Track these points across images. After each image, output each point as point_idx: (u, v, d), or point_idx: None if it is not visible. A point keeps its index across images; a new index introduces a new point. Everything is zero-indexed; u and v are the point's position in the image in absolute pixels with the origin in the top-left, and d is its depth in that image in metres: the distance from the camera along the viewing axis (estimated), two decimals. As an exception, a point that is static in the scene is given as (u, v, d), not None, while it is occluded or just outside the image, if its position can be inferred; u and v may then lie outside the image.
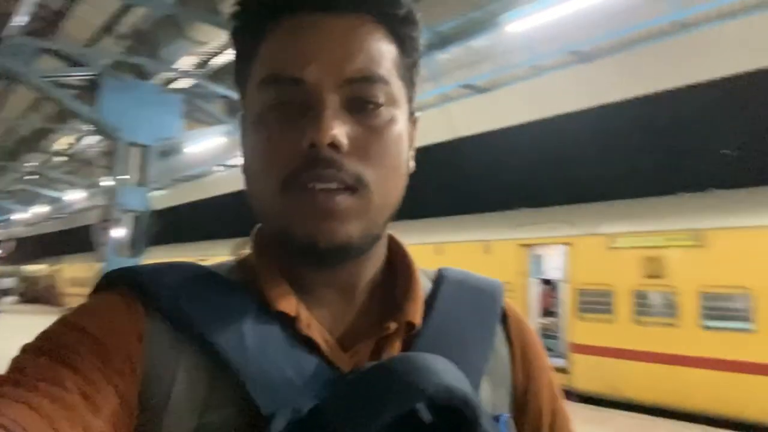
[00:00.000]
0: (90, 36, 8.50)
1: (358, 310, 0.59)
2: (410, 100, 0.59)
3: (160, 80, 9.18)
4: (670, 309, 8.42)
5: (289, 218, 0.52)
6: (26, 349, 0.48)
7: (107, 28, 8.23)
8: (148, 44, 8.12)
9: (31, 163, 17.24)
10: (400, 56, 0.56)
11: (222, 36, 7.85)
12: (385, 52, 0.54)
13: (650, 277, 8.80)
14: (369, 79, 0.53)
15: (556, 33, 7.53)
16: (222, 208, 18.87)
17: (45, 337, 0.49)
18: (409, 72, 0.58)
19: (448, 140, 10.42)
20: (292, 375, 0.50)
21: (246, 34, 0.56)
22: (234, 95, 9.38)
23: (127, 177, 8.55)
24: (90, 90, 8.41)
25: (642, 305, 8.65)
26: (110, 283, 0.55)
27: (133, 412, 0.48)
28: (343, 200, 0.51)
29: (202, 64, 8.92)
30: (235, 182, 15.47)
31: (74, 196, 19.88)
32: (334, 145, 0.50)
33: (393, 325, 0.56)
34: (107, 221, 8.22)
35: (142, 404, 0.48)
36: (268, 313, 0.53)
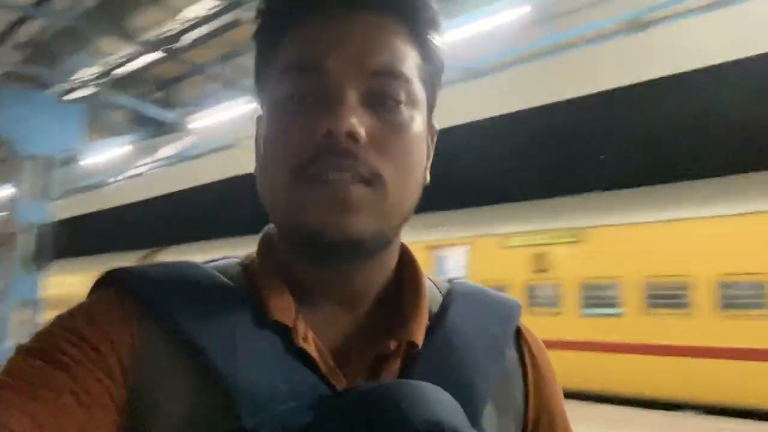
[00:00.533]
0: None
1: (359, 322, 0.57)
2: (430, 108, 0.58)
3: (61, 90, 8.97)
4: (555, 299, 9.41)
5: (300, 207, 0.50)
6: (21, 350, 0.48)
7: (2, 38, 7.97)
8: (47, 54, 7.95)
9: None
10: (422, 59, 0.55)
11: (124, 47, 7.86)
12: (408, 52, 0.54)
13: (538, 272, 9.77)
14: (392, 74, 0.52)
15: (452, 52, 8.21)
16: (125, 218, 18.29)
17: (40, 338, 0.49)
18: (430, 78, 0.57)
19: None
20: (283, 389, 0.48)
21: (269, 30, 0.56)
22: (137, 106, 9.36)
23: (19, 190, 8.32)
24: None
25: (532, 297, 9.60)
26: (108, 282, 0.54)
27: (123, 417, 0.47)
28: (358, 191, 0.49)
29: (105, 73, 8.82)
30: (138, 192, 15.14)
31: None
32: (352, 136, 0.49)
33: (393, 344, 0.54)
34: (7, 235, 7.95)
35: (130, 409, 0.48)
36: (265, 322, 0.52)
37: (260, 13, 0.56)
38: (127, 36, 7.22)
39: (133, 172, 13.68)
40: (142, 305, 0.51)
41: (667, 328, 8.37)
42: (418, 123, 0.54)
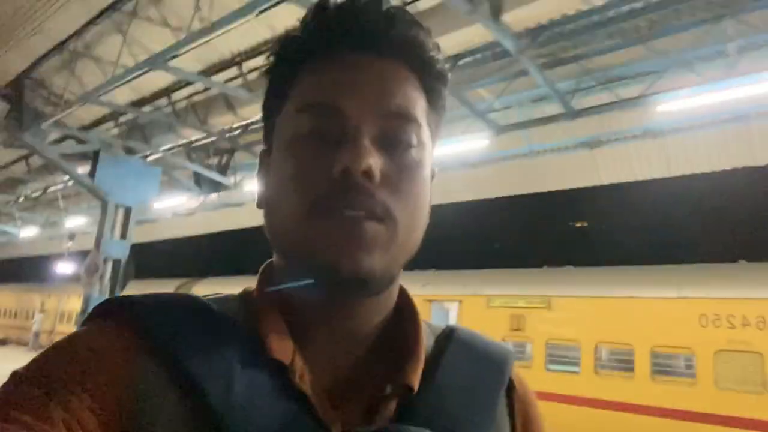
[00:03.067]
0: (93, 120, 10.83)
1: (357, 361, 0.56)
2: (432, 152, 0.59)
3: (143, 154, 11.54)
4: (526, 355, 11.19)
5: (314, 242, 0.50)
6: (15, 377, 0.48)
7: (108, 116, 10.60)
8: (141, 132, 10.55)
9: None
10: (429, 108, 0.58)
11: (199, 133, 10.33)
12: (418, 98, 0.56)
13: (514, 330, 11.59)
14: (405, 117, 0.54)
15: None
16: (178, 249, 20.86)
17: (36, 366, 0.48)
18: (435, 126, 0.59)
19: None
20: (276, 429, 0.48)
21: (283, 69, 0.58)
22: (200, 170, 11.84)
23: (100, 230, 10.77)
24: (88, 161, 10.70)
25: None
26: (107, 311, 0.54)
27: None
28: (371, 229, 0.50)
29: (180, 145, 11.36)
30: (191, 228, 17.58)
31: (29, 232, 21.19)
32: (368, 174, 0.49)
33: (389, 388, 0.54)
34: (93, 265, 10.36)
35: None
36: (262, 359, 0.51)
37: (275, 54, 0.59)
38: (204, 128, 9.71)
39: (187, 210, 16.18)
40: (141, 338, 0.50)
41: (612, 388, 10.11)
42: (425, 166, 0.56)
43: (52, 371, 0.47)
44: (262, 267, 0.61)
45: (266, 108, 0.61)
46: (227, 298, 0.59)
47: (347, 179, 0.49)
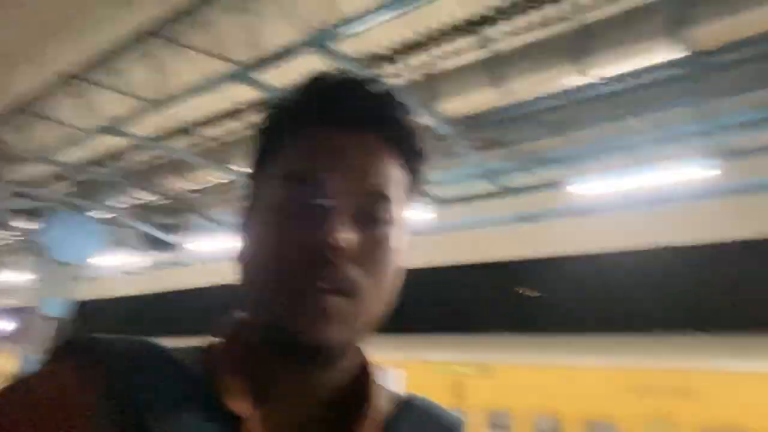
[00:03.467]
0: (42, 177, 10.86)
1: (313, 421, 0.58)
2: (407, 223, 0.61)
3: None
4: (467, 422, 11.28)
5: (278, 310, 0.52)
6: None
7: (59, 175, 10.66)
8: (89, 190, 10.64)
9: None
10: (409, 184, 0.61)
11: (148, 196, 10.50)
12: (399, 176, 0.59)
13: (456, 396, 11.77)
14: (382, 196, 0.57)
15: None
16: (120, 308, 20.33)
17: None
18: (411, 194, 0.62)
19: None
20: None
21: (276, 135, 0.60)
22: (147, 229, 11.88)
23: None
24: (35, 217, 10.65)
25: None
26: (68, 350, 0.54)
27: None
28: (336, 303, 0.52)
29: (128, 205, 11.43)
30: (133, 286, 17.29)
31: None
32: (340, 250, 0.51)
33: None
34: (30, 323, 10.12)
35: None
36: (220, 412, 0.52)
37: (264, 120, 0.62)
38: (155, 190, 9.90)
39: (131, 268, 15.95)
40: (101, 383, 0.50)
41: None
42: (398, 240, 0.58)
43: (9, 414, 0.47)
44: (229, 320, 0.61)
45: (254, 166, 0.62)
46: (189, 349, 0.60)
47: (319, 253, 0.51)
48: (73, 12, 6.46)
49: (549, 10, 5.14)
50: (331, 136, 0.57)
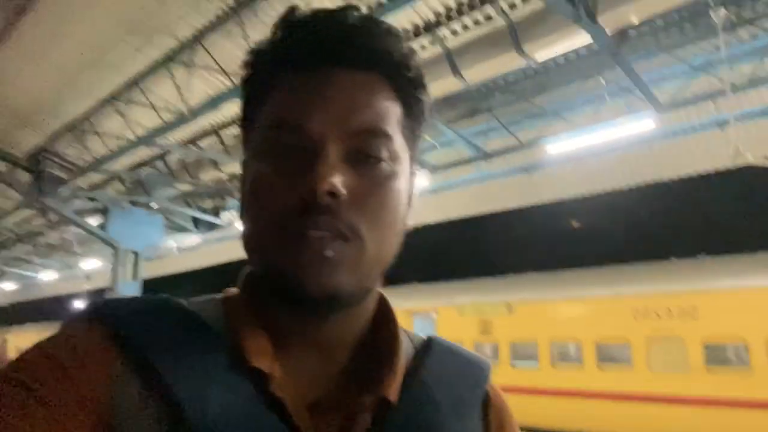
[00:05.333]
0: (102, 180, 12.56)
1: (335, 371, 0.57)
2: (412, 158, 0.60)
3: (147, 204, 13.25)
4: (494, 354, 12.63)
5: (280, 263, 0.51)
6: (1, 378, 0.48)
7: (115, 176, 12.33)
8: (145, 188, 12.29)
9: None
10: (405, 115, 0.57)
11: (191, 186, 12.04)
12: (390, 109, 0.55)
13: (483, 333, 13.02)
14: (372, 133, 0.53)
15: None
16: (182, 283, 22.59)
17: (19, 366, 0.49)
18: (412, 132, 0.59)
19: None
20: None
21: (256, 81, 0.58)
22: (199, 214, 13.51)
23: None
24: (99, 214, 12.43)
25: (478, 352, 12.80)
26: (88, 313, 0.54)
27: None
28: (336, 248, 0.50)
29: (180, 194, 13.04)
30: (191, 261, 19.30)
31: (48, 275, 22.87)
32: (332, 193, 0.49)
33: (368, 399, 0.54)
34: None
35: None
36: (241, 366, 0.51)
37: (246, 65, 0.58)
38: (194, 182, 11.40)
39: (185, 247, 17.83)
40: (121, 341, 0.51)
41: (566, 378, 11.56)
42: (398, 177, 0.55)
43: (36, 373, 0.47)
44: (245, 273, 0.60)
45: (243, 117, 0.60)
46: (209, 301, 0.59)
47: (311, 199, 0.49)
48: (108, 47, 7.80)
49: (488, 9, 6.07)
50: (312, 76, 0.54)
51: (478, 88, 7.76)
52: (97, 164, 10.11)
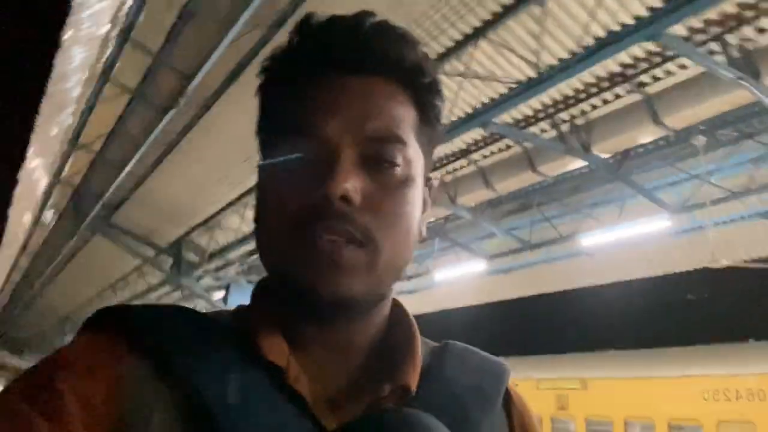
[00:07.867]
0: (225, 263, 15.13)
1: (352, 369, 0.57)
2: (427, 165, 0.60)
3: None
4: (570, 427, 13.01)
5: (293, 266, 0.52)
6: (8, 390, 0.49)
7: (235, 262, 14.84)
8: (256, 270, 14.66)
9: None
10: (420, 122, 0.58)
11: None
12: (405, 115, 0.56)
13: (560, 408, 13.44)
14: (387, 139, 0.54)
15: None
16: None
17: (28, 379, 0.50)
18: (428, 138, 0.59)
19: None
20: (273, 430, 0.49)
21: (273, 89, 0.59)
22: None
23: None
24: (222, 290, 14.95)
25: (555, 424, 13.40)
26: (98, 321, 0.54)
27: None
28: (350, 253, 0.51)
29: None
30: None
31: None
32: (346, 199, 0.50)
33: (387, 388, 0.54)
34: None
35: None
36: (258, 362, 0.52)
37: (262, 71, 0.60)
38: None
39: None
40: (135, 344, 0.51)
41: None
42: (413, 183, 0.56)
43: (46, 387, 0.47)
44: (258, 281, 0.62)
45: (259, 123, 0.61)
46: (220, 311, 0.62)
47: (325, 204, 0.50)
48: (233, 165, 10.16)
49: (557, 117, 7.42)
50: (327, 82, 0.55)
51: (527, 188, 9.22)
52: (222, 251, 12.57)
